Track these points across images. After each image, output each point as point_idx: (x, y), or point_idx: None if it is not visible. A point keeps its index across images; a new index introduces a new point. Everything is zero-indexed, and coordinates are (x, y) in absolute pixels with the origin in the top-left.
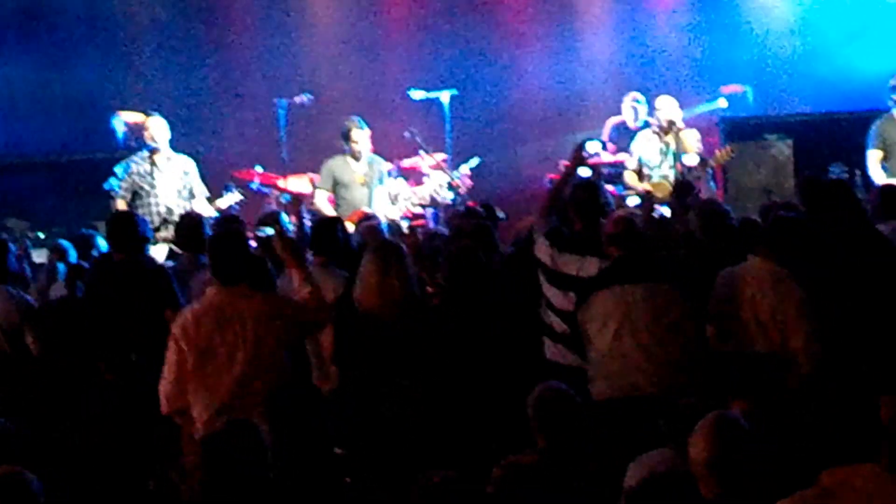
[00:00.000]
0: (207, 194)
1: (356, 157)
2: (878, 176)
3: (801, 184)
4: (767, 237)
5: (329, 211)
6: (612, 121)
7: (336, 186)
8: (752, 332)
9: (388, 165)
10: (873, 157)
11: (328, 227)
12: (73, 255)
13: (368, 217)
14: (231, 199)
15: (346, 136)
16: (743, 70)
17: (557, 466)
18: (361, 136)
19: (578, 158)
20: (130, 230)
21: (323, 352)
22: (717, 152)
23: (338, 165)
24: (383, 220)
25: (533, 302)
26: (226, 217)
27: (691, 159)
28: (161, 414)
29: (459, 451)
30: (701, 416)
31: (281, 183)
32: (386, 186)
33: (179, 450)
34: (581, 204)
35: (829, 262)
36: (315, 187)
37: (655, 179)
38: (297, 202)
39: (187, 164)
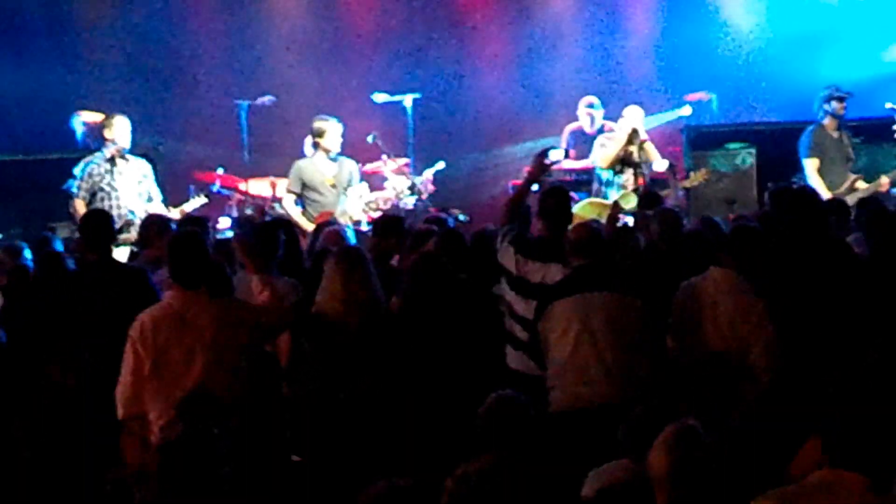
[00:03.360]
0: (162, 197)
1: (328, 156)
2: (818, 185)
3: (771, 194)
4: (728, 247)
5: (297, 214)
6: (570, 127)
7: (305, 189)
8: (712, 344)
9: (356, 166)
10: (811, 166)
11: (270, 232)
12: (27, 257)
13: (330, 222)
14: (196, 202)
15: (320, 134)
16: (708, 78)
17: (508, 476)
18: (335, 134)
19: (541, 165)
20: (106, 229)
21: (280, 357)
22: (691, 174)
23: (307, 167)
24: (352, 222)
25: (494, 310)
26: (190, 218)
27: (661, 165)
28: (118, 418)
29: (419, 458)
30: (659, 425)
31: (242, 186)
32: (357, 188)
33: (136, 454)
34: (550, 210)
35: (791, 273)
36: (288, 190)
37: (617, 189)
38: (262, 209)
39: (144, 167)
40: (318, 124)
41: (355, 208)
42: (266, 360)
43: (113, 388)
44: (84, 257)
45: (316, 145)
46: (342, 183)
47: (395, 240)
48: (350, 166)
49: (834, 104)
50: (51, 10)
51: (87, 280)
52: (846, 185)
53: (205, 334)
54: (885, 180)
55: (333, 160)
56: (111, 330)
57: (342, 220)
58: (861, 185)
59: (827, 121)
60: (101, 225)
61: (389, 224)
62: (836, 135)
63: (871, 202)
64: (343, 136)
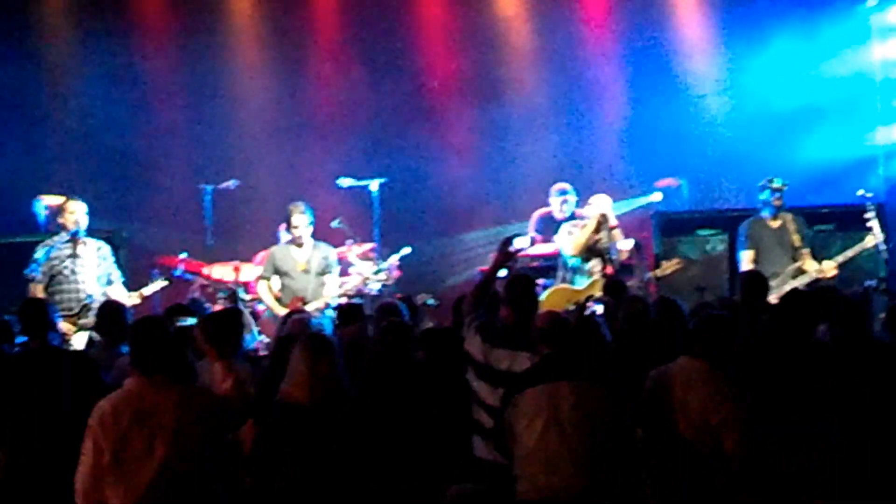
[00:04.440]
0: (123, 279)
1: (298, 244)
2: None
3: (743, 280)
4: (697, 336)
5: (270, 299)
6: (538, 213)
7: (279, 274)
8: (682, 433)
9: (332, 252)
10: (745, 258)
11: (232, 319)
12: None
13: (299, 310)
14: (156, 286)
15: (288, 222)
16: (678, 163)
17: None
18: (301, 222)
19: (506, 253)
20: (43, 316)
21: (243, 445)
22: (663, 263)
23: (280, 253)
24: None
25: (461, 398)
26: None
27: (626, 244)
28: None
29: None
30: None
31: (206, 270)
32: (335, 274)
33: None
34: (516, 298)
35: (760, 362)
36: (261, 276)
37: (584, 276)
38: (234, 295)
39: (104, 250)
40: (288, 209)
41: (333, 294)
42: (228, 449)
43: (62, 476)
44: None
45: (288, 230)
46: (315, 268)
47: (356, 326)
48: (325, 252)
49: (768, 194)
50: (15, 95)
51: (27, 366)
52: (789, 269)
53: (166, 423)
54: (829, 266)
55: (307, 246)
56: (51, 417)
57: (317, 305)
58: (809, 266)
59: (764, 211)
60: (38, 312)
61: (349, 311)
62: (775, 224)
63: (830, 291)
64: (312, 221)
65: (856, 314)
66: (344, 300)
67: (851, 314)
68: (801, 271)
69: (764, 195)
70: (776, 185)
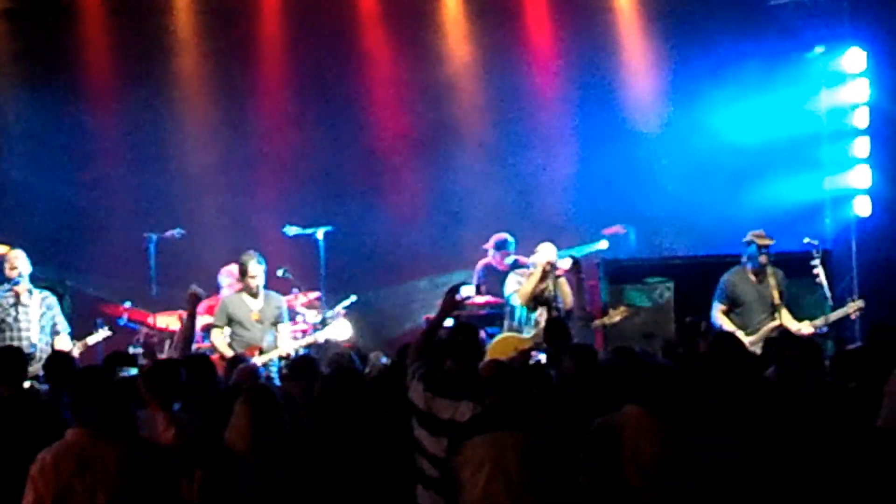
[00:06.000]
0: (69, 329)
1: (252, 293)
2: (724, 324)
3: (685, 328)
4: (643, 385)
5: (224, 348)
6: (482, 262)
7: (231, 323)
8: (632, 482)
9: (284, 301)
10: (716, 309)
11: (172, 369)
12: None
13: (243, 359)
14: (99, 335)
15: (244, 272)
16: (625, 211)
17: None
18: (258, 272)
19: (452, 301)
20: (19, 363)
21: (186, 494)
22: (610, 311)
23: (233, 302)
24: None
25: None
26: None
27: (564, 263)
28: None
29: None
30: None
31: (150, 319)
32: (287, 324)
33: None
34: (459, 347)
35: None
36: (214, 325)
37: (532, 325)
38: (151, 346)
39: (49, 299)
40: (241, 261)
41: (286, 343)
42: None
43: None
44: None
45: (240, 282)
46: (268, 318)
47: (305, 382)
48: (277, 302)
49: (754, 249)
50: None
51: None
52: (764, 329)
53: (108, 475)
54: (807, 327)
55: (260, 295)
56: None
57: (271, 355)
58: (788, 324)
59: (748, 265)
60: (13, 358)
61: (301, 366)
62: (755, 279)
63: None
64: (266, 270)
65: (811, 354)
66: (299, 348)
67: (807, 354)
68: (780, 329)
69: (750, 249)
70: (763, 240)
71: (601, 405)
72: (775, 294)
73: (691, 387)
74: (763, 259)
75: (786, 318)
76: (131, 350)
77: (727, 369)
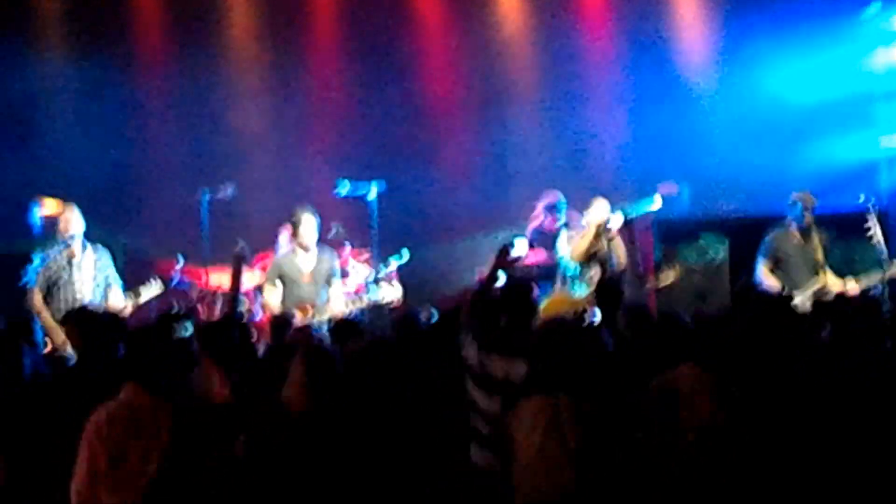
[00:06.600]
0: (122, 285)
1: (304, 248)
2: (770, 282)
3: (738, 290)
4: (698, 343)
5: (276, 306)
6: (533, 222)
7: (283, 281)
8: (690, 440)
9: (336, 259)
10: (761, 267)
11: (229, 329)
12: None
13: (286, 318)
14: (151, 290)
15: (296, 226)
16: (679, 168)
17: None
18: (310, 226)
19: (504, 258)
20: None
21: (238, 452)
22: (664, 271)
23: (285, 261)
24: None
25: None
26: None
27: (617, 222)
28: None
29: None
30: None
31: (202, 277)
32: (340, 282)
33: None
34: (513, 304)
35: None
36: (266, 283)
37: (584, 283)
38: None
39: (103, 255)
40: (293, 216)
41: (338, 302)
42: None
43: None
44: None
45: (293, 237)
46: (320, 276)
47: (353, 342)
48: (330, 260)
49: (799, 209)
50: (10, 104)
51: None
52: (813, 288)
53: (162, 435)
54: (852, 286)
55: (312, 252)
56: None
57: (323, 313)
58: (832, 283)
59: (792, 225)
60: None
61: (345, 329)
62: (798, 240)
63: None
64: (319, 226)
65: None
66: (349, 310)
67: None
68: (824, 291)
69: (795, 209)
70: (809, 200)
71: (656, 365)
72: (819, 253)
73: (747, 347)
74: (808, 219)
75: (830, 278)
76: (183, 307)
77: (781, 331)
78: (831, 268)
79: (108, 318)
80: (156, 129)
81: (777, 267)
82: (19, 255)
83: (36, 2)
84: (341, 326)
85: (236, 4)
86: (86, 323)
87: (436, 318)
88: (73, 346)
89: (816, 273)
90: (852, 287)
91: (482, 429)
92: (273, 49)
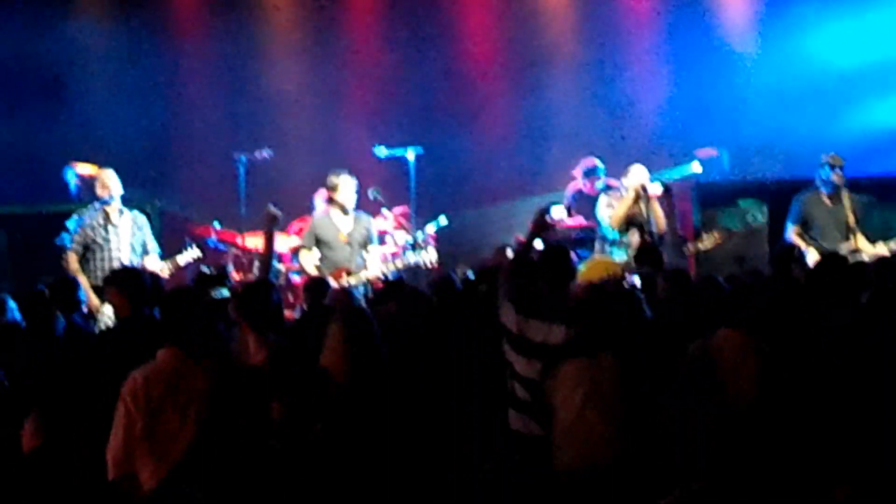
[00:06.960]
0: (159, 249)
1: (343, 211)
2: (800, 243)
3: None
4: (736, 307)
5: (312, 269)
6: (572, 186)
7: (319, 244)
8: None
9: (373, 223)
10: (791, 231)
11: (264, 292)
12: (12, 312)
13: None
14: (189, 255)
15: (334, 189)
16: (718, 133)
17: None
18: (348, 188)
19: (542, 223)
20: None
21: (274, 415)
22: (703, 235)
23: (321, 223)
24: (367, 279)
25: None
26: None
27: (656, 187)
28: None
29: None
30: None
31: (239, 240)
32: (377, 245)
33: None
34: (552, 268)
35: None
36: (302, 246)
37: (623, 248)
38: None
39: (140, 219)
40: (331, 179)
41: (375, 265)
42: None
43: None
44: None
45: (330, 200)
46: (357, 239)
47: (394, 303)
48: (367, 223)
49: (827, 171)
50: (48, 67)
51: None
52: (844, 250)
53: (198, 397)
54: (883, 248)
55: (349, 215)
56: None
57: (359, 276)
58: (864, 246)
59: (822, 188)
60: (73, 290)
61: (387, 290)
62: (829, 202)
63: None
64: (358, 189)
65: None
66: (388, 271)
67: None
68: (855, 252)
69: (823, 171)
70: (837, 161)
71: (696, 329)
72: (850, 216)
73: (788, 310)
74: (837, 178)
75: (861, 241)
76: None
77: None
78: (870, 232)
79: (152, 281)
80: (192, 93)
81: (806, 231)
82: (58, 216)
83: None
84: (384, 287)
85: None
86: (130, 284)
87: (472, 276)
88: (115, 309)
89: (847, 236)
90: (882, 250)
91: (520, 393)
92: (311, 12)
